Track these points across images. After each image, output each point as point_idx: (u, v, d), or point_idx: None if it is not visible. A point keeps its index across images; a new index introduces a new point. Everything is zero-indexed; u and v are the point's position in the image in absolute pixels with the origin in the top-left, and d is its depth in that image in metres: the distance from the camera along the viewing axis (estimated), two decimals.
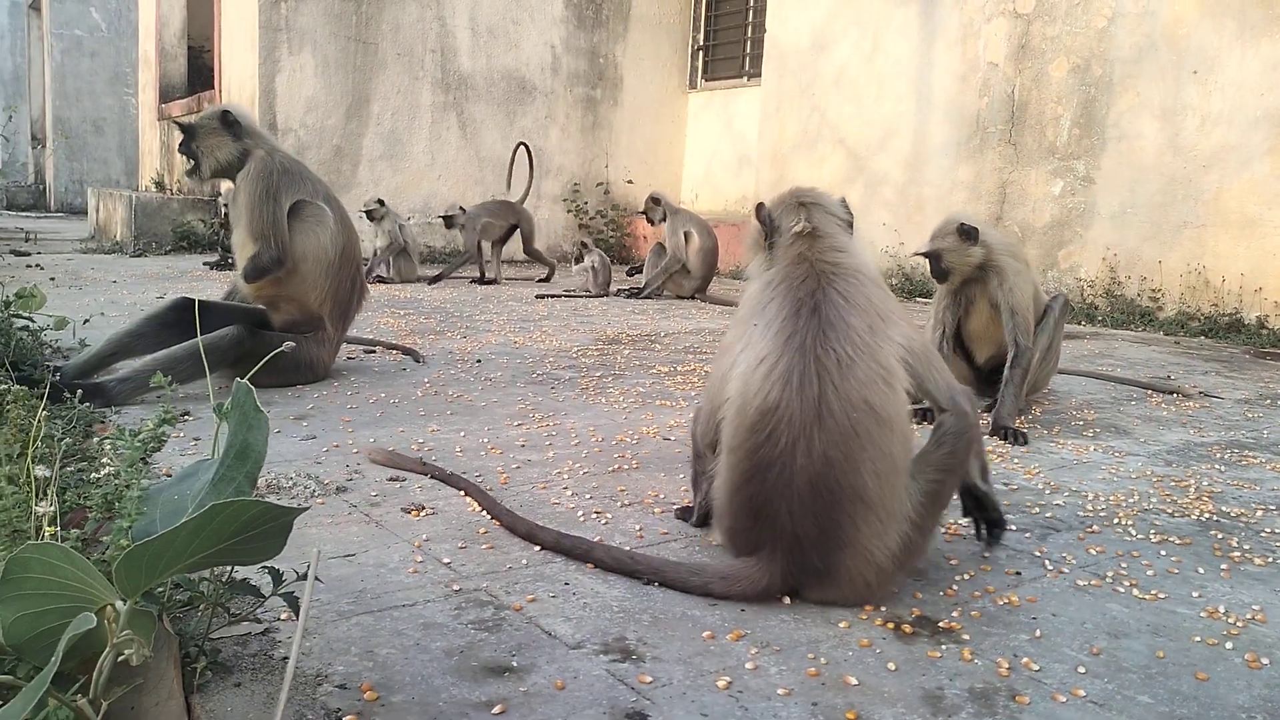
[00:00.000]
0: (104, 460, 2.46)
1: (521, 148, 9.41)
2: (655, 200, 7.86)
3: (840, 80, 9.27)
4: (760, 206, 2.11)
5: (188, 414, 3.32)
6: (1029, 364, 3.71)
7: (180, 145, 3.93)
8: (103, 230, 11.72)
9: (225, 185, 8.01)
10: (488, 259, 8.83)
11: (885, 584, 1.89)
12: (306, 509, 1.36)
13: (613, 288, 8.05)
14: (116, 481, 1.42)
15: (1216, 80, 6.76)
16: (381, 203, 8.29)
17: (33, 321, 4.03)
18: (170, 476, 1.70)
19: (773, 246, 2.05)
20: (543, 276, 9.11)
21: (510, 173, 9.23)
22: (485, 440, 3.11)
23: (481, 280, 8.65)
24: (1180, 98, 6.95)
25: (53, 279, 7.30)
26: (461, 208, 8.71)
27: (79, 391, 2.87)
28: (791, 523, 1.82)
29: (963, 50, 8.28)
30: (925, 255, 3.81)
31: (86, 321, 4.89)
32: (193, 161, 3.91)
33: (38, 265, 8.36)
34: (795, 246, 1.99)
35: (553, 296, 7.70)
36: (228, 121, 3.87)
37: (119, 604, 1.19)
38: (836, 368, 1.81)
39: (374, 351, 4.72)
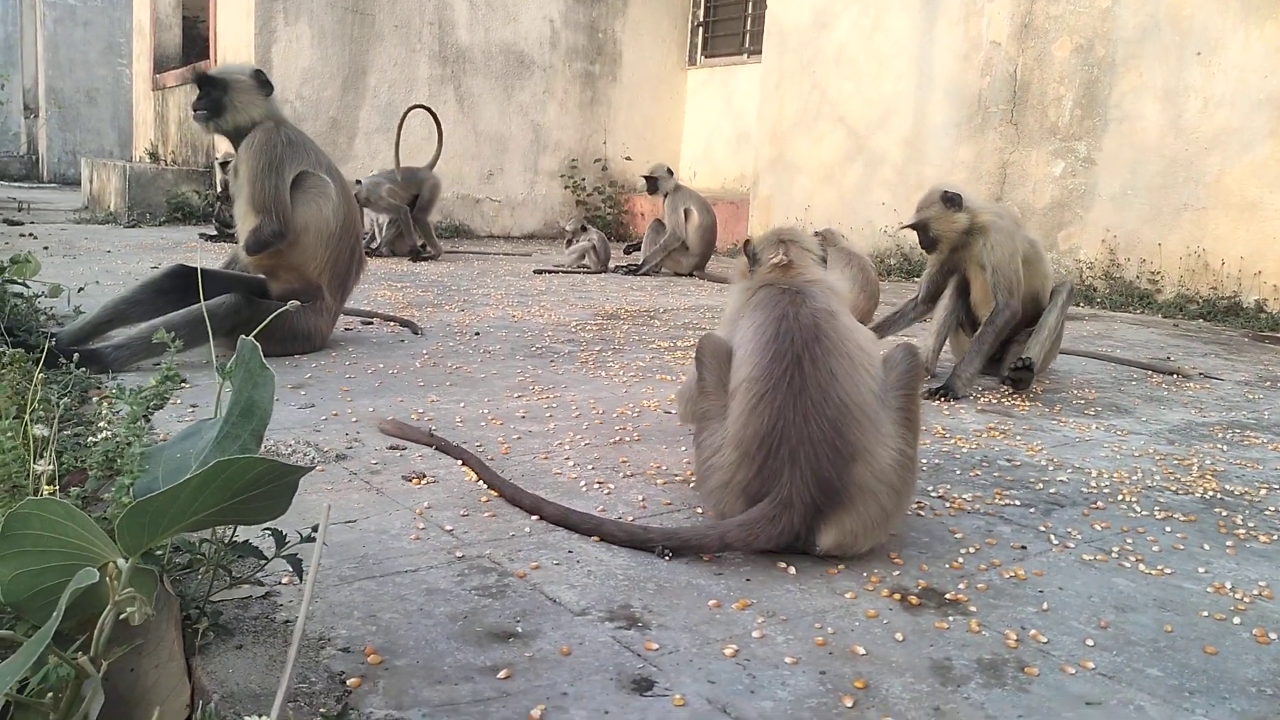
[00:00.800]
0: (101, 424, 2.44)
1: (423, 111, 8.82)
2: (670, 171, 7.83)
3: (841, 58, 9.21)
4: (748, 242, 2.42)
5: (184, 381, 3.28)
6: (1004, 322, 3.79)
7: (200, 98, 3.81)
8: (96, 201, 11.63)
9: (224, 151, 7.92)
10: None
11: (896, 507, 1.95)
12: (312, 468, 1.34)
13: (611, 264, 8.02)
14: (117, 439, 1.39)
15: (1220, 62, 6.72)
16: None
17: (27, 288, 3.99)
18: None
19: (754, 274, 2.35)
20: (427, 255, 8.19)
21: (398, 139, 8.34)
22: (485, 411, 3.09)
23: (417, 255, 8.05)
24: (1183, 79, 6.91)
25: (46, 248, 7.25)
26: (358, 180, 8.05)
27: (75, 356, 2.84)
28: (807, 429, 1.89)
29: (965, 29, 8.23)
30: (913, 227, 3.90)
31: (81, 290, 4.86)
32: (205, 112, 3.79)
33: (31, 235, 8.29)
34: (773, 274, 2.26)
35: (550, 272, 7.67)
36: (261, 80, 3.82)
37: (120, 561, 1.17)
38: (824, 314, 2.07)
39: (371, 323, 4.68)
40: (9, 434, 1.28)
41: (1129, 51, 7.19)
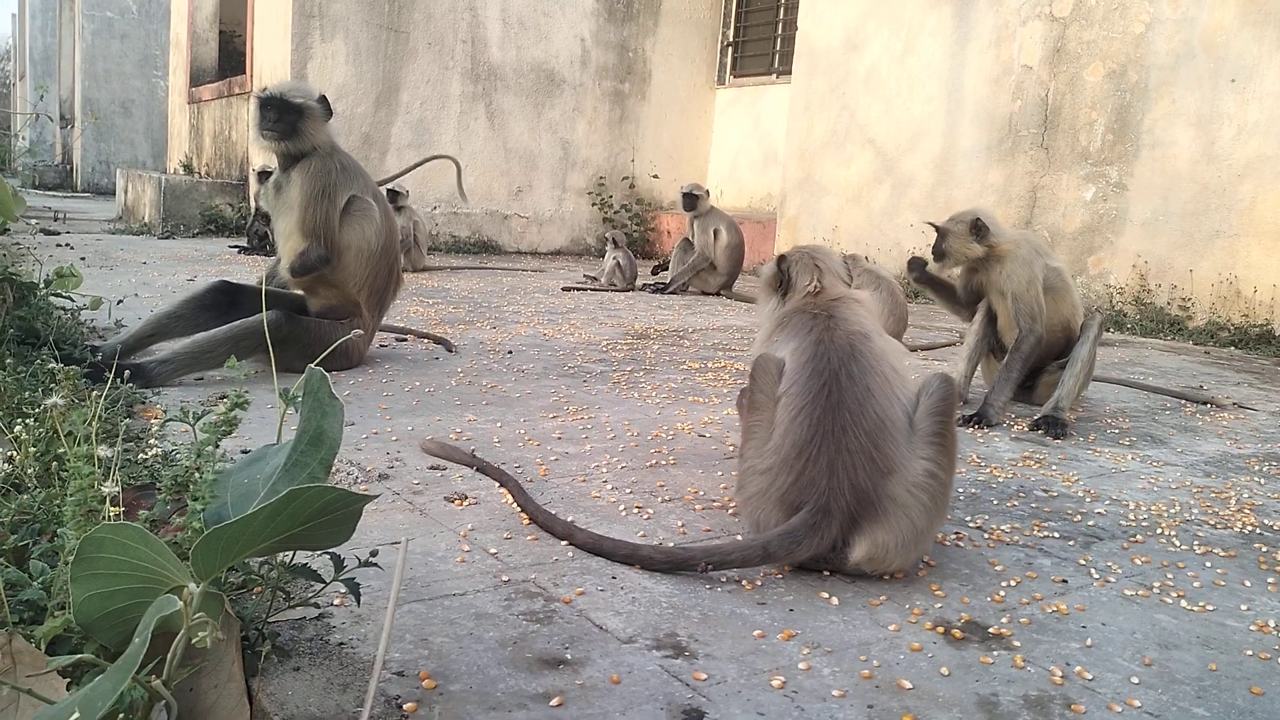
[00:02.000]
0: (152, 440, 2.48)
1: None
2: (707, 192, 7.88)
3: (871, 80, 9.23)
4: (782, 258, 2.46)
5: (225, 396, 3.33)
6: (1029, 349, 3.82)
7: (275, 120, 3.79)
8: (131, 211, 11.79)
9: (260, 163, 7.96)
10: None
11: (927, 524, 1.98)
12: (377, 495, 1.36)
13: (638, 282, 8.06)
14: (186, 465, 1.43)
15: (1255, 89, 6.70)
16: (396, 194, 8.24)
17: (71, 301, 4.06)
18: (226, 456, 1.71)
19: (786, 294, 2.41)
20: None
21: (410, 170, 8.23)
22: (522, 431, 3.12)
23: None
24: (1217, 106, 6.89)
25: (83, 259, 7.35)
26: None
27: (125, 372, 2.88)
28: (844, 440, 1.95)
29: (997, 53, 8.23)
30: (935, 227, 4.01)
31: (120, 302, 4.94)
32: (277, 134, 3.80)
33: (68, 245, 8.42)
34: (805, 299, 2.34)
35: (579, 289, 7.71)
36: (327, 106, 3.87)
37: (193, 586, 1.20)
38: (858, 335, 2.15)
39: (406, 339, 4.73)
40: (83, 459, 1.32)
41: (1162, 78, 7.17)
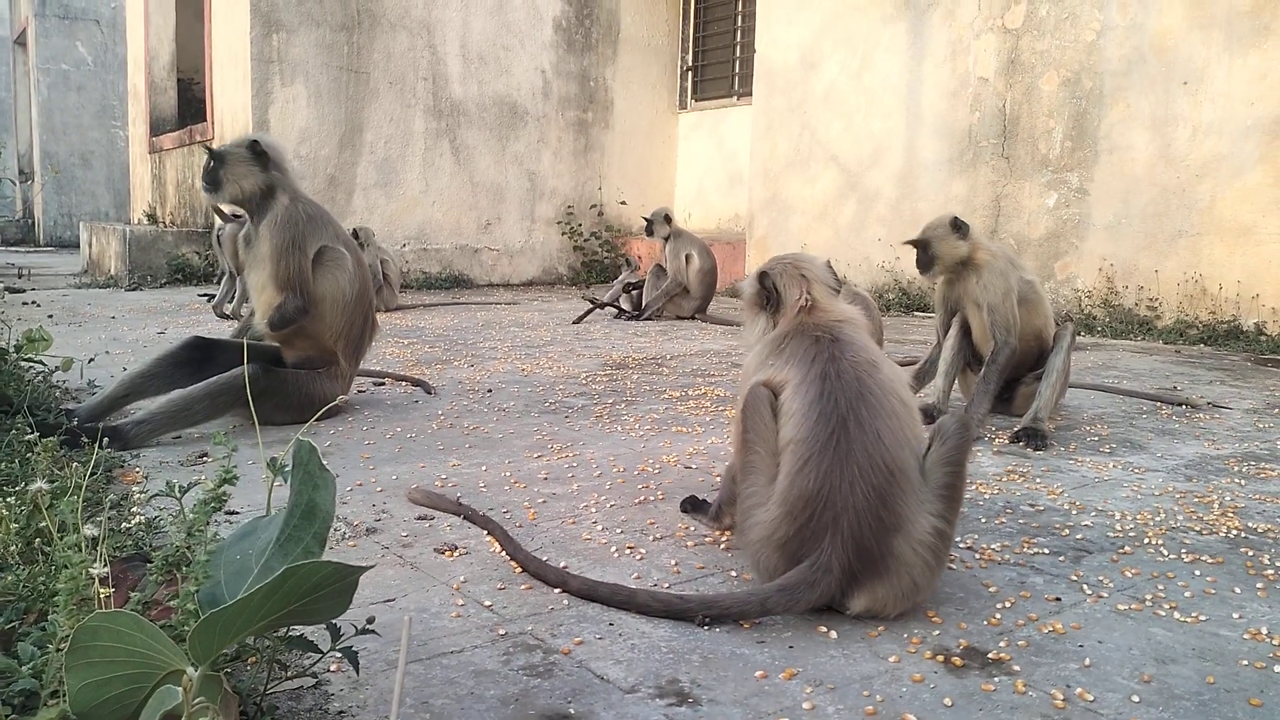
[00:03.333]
0: (134, 509, 2.45)
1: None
2: (668, 218, 7.90)
3: (830, 98, 9.33)
4: (764, 274, 2.29)
5: (205, 455, 3.31)
6: (1005, 361, 3.85)
7: (205, 173, 3.82)
8: (96, 264, 11.68)
9: (218, 224, 7.86)
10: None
11: (927, 581, 1.96)
12: (372, 566, 1.35)
13: (609, 310, 8.10)
14: (177, 543, 1.41)
15: (1206, 90, 6.83)
16: (356, 233, 8.19)
17: (44, 365, 4.01)
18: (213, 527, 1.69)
19: (775, 311, 2.28)
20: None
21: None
22: (507, 474, 3.10)
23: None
24: (1171, 108, 7.02)
25: (51, 316, 7.27)
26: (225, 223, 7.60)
27: (103, 439, 2.85)
28: (852, 496, 1.89)
29: (952, 66, 8.35)
30: (914, 243, 4.00)
31: (92, 360, 4.89)
32: (213, 187, 3.82)
33: (34, 302, 8.32)
34: (799, 316, 2.21)
35: (596, 307, 7.82)
36: (256, 151, 3.82)
37: (191, 671, 1.18)
38: (865, 365, 2.05)
39: (384, 383, 4.71)
40: (74, 547, 1.30)
41: (1116, 83, 7.30)
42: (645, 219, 7.95)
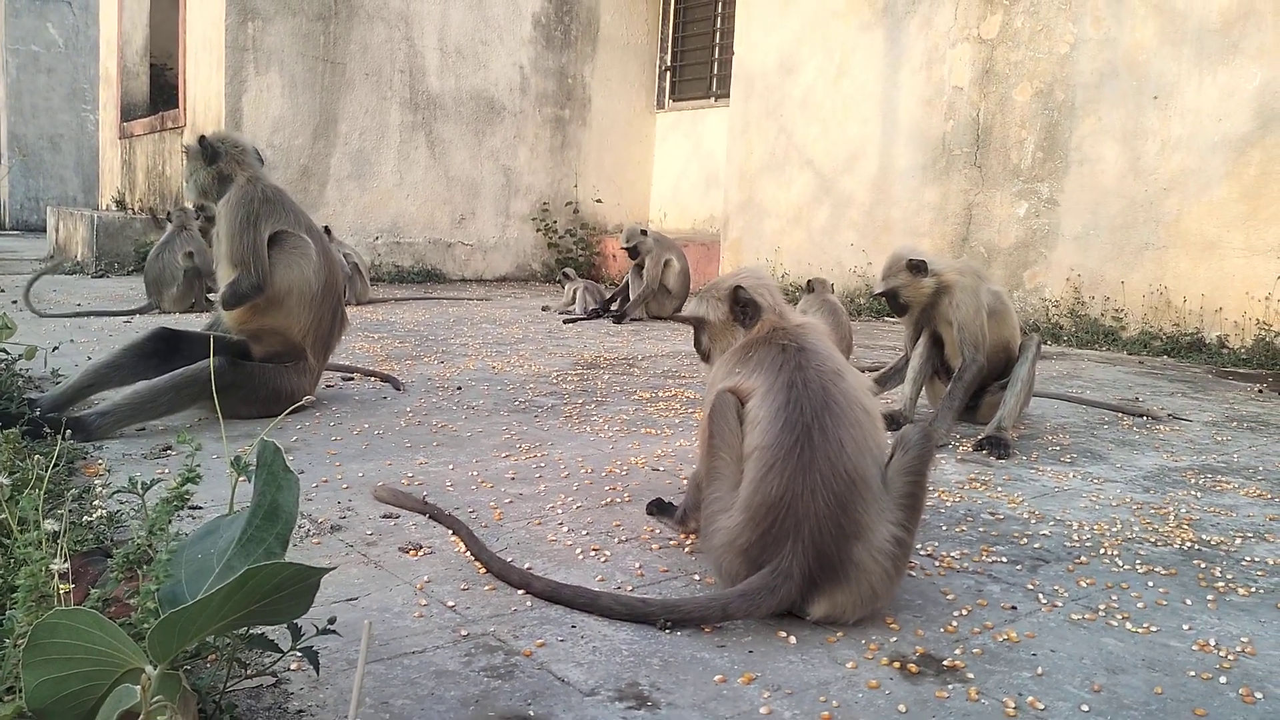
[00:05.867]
0: (96, 502, 2.43)
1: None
2: (644, 233, 7.90)
3: (807, 103, 9.38)
4: (739, 288, 2.30)
5: (169, 449, 3.29)
6: (971, 378, 3.91)
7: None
8: (62, 250, 11.53)
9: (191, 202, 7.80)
10: None
11: (886, 589, 1.99)
12: (334, 568, 1.36)
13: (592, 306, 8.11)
14: (138, 541, 1.41)
15: (1176, 105, 6.94)
16: (326, 229, 8.12)
17: (7, 353, 3.95)
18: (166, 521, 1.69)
19: (749, 323, 2.29)
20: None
21: None
22: (474, 473, 3.11)
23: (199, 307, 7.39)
24: (1141, 123, 7.12)
25: (15, 303, 7.17)
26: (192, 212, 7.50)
27: (67, 431, 2.82)
28: (814, 504, 1.92)
29: (928, 75, 8.42)
30: (883, 295, 4.03)
31: (56, 349, 4.81)
32: (185, 182, 4.00)
33: None
34: (766, 325, 2.26)
35: (576, 320, 7.78)
36: (203, 146, 3.87)
37: (150, 669, 1.19)
38: (831, 374, 2.08)
39: (352, 378, 4.69)
40: (33, 544, 1.29)
41: (1088, 96, 7.39)
42: (624, 246, 7.90)
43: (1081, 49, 7.42)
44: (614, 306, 8.03)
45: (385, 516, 2.62)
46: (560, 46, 11.46)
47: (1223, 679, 1.83)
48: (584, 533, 2.56)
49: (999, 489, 3.17)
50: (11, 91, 18.06)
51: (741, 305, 2.29)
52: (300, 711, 1.57)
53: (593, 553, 2.40)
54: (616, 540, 2.50)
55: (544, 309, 8.45)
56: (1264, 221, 6.52)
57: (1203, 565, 2.48)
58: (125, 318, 6.72)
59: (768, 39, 9.70)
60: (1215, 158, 6.73)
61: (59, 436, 2.69)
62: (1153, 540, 2.68)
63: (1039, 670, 1.84)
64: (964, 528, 2.73)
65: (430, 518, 2.58)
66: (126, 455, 3.18)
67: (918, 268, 3.91)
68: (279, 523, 1.29)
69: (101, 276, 9.80)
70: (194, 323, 5.65)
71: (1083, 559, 2.49)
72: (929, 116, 8.43)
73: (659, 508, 2.64)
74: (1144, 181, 7.10)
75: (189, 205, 7.32)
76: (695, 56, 12.11)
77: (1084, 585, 2.30)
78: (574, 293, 8.22)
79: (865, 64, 8.89)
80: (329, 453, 3.29)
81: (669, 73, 12.26)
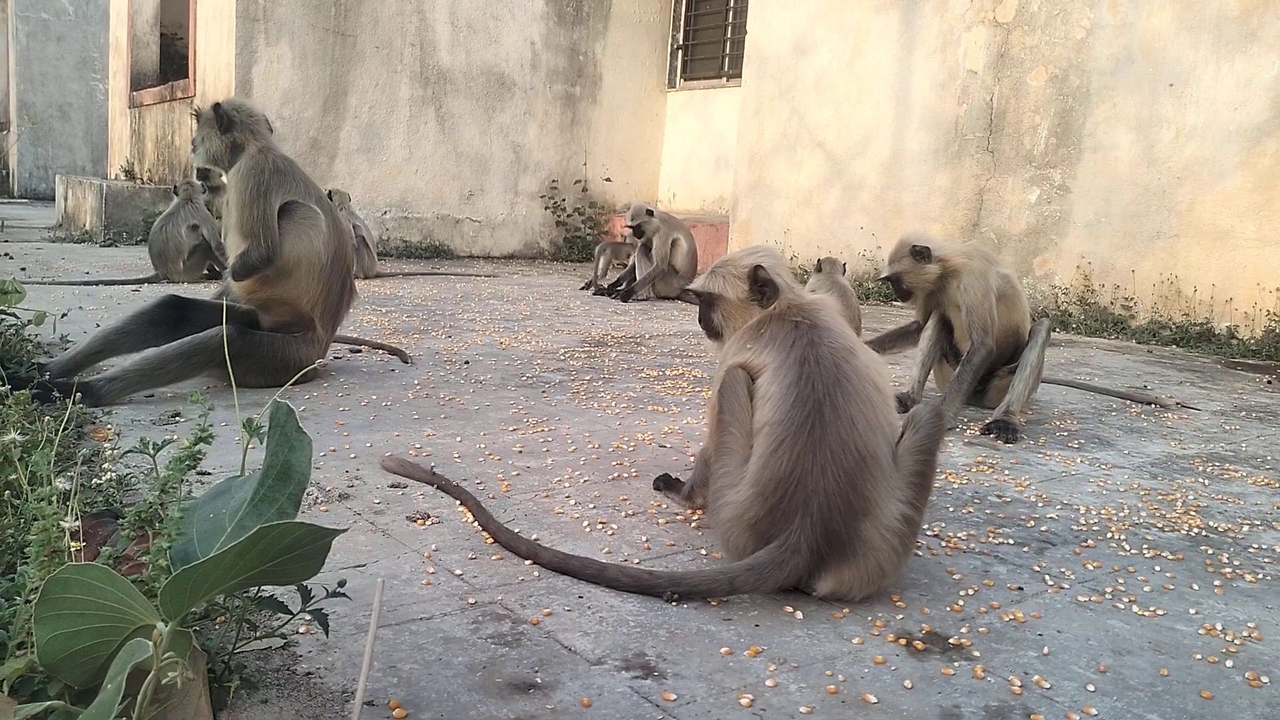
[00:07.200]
0: (106, 465, 2.44)
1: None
2: (650, 212, 7.88)
3: (820, 84, 9.33)
4: (759, 268, 2.28)
5: (178, 415, 3.29)
6: (980, 361, 3.89)
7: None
8: (71, 219, 11.53)
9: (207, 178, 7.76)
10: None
11: (894, 567, 1.99)
12: (345, 529, 1.36)
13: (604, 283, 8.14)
14: (150, 499, 1.41)
15: (1192, 94, 6.88)
16: (331, 195, 8.11)
17: (16, 317, 3.96)
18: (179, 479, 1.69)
19: (762, 301, 2.27)
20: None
21: None
22: (482, 446, 3.11)
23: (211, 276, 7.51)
24: (1156, 110, 7.07)
25: (24, 269, 7.18)
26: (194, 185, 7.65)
27: (77, 394, 2.83)
28: (823, 480, 1.92)
29: (942, 58, 8.36)
30: (887, 280, 4.02)
31: (65, 315, 4.84)
32: (194, 148, 4.00)
33: (6, 254, 8.21)
34: (781, 304, 2.24)
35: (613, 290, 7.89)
36: (218, 114, 3.87)
37: (161, 626, 1.19)
38: (843, 351, 2.07)
39: (360, 351, 4.69)
40: (46, 500, 1.30)
41: (1103, 82, 7.34)
42: (629, 225, 7.90)
43: (1098, 34, 7.36)
44: (621, 286, 8.03)
45: (393, 486, 2.62)
46: (572, 23, 11.40)
47: (1229, 663, 1.83)
48: (591, 506, 2.56)
49: (1006, 472, 3.16)
50: (21, 59, 18.02)
51: (760, 285, 2.27)
52: (309, 673, 1.58)
53: (599, 526, 2.40)
54: (623, 514, 2.51)
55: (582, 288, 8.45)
56: (1277, 212, 6.48)
57: (1210, 551, 2.47)
58: (133, 286, 6.73)
59: (782, 19, 9.63)
60: (1230, 147, 6.68)
61: (69, 401, 2.70)
62: (1160, 526, 2.67)
63: (1045, 650, 1.84)
64: (971, 509, 2.73)
65: (438, 488, 2.59)
66: (135, 421, 3.19)
67: (921, 254, 3.89)
68: (291, 483, 1.29)
69: (110, 245, 9.80)
70: (203, 293, 5.65)
71: (1090, 543, 2.49)
72: (942, 100, 8.37)
73: (666, 483, 2.64)
74: (1157, 170, 7.05)
75: (195, 180, 7.29)
76: (708, 36, 12.03)
77: (1090, 568, 2.30)
78: (602, 261, 8.42)
79: (880, 46, 8.83)
80: (337, 423, 3.30)
81: (681, 51, 12.19)
